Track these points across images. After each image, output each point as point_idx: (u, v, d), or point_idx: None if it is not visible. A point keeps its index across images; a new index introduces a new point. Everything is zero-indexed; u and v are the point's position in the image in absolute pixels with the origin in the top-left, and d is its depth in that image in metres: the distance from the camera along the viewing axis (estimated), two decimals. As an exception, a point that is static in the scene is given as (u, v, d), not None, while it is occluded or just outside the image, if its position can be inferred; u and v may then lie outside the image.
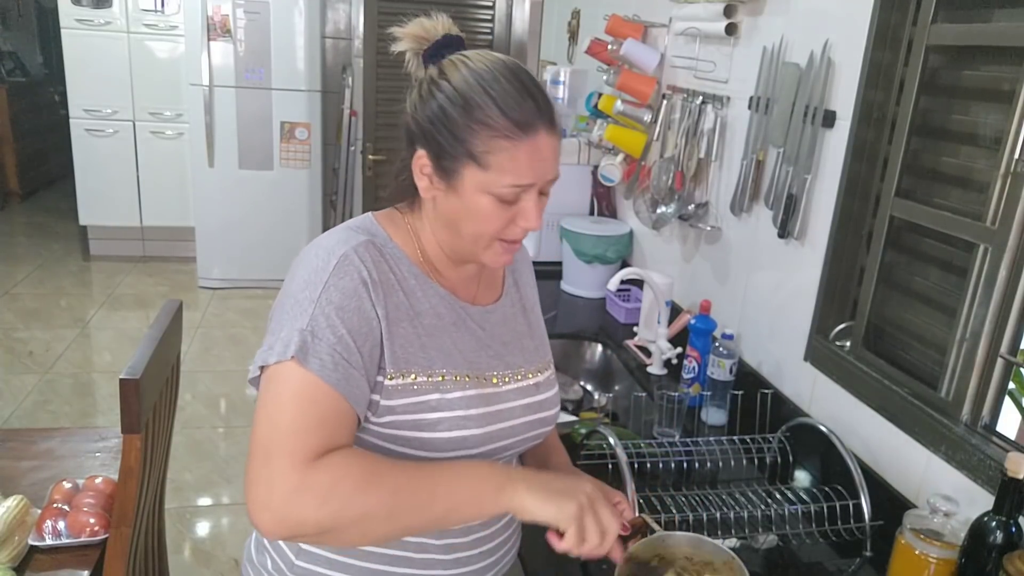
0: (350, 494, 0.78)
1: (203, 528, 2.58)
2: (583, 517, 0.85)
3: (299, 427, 0.80)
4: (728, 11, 1.78)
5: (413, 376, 0.91)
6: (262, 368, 0.85)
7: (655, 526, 1.12)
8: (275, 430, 0.80)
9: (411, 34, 0.95)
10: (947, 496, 1.07)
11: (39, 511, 1.49)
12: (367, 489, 0.79)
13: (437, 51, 0.93)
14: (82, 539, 1.45)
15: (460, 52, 0.93)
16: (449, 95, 0.87)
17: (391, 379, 0.90)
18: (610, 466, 1.36)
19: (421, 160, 0.91)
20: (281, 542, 0.99)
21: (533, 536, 1.10)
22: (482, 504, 0.84)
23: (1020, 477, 0.95)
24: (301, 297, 0.87)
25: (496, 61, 0.90)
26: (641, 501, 1.24)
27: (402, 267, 0.94)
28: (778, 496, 1.34)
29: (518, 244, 0.96)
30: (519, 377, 1.02)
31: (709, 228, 1.90)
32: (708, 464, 1.45)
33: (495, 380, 0.99)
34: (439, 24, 0.95)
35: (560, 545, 0.87)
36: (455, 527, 0.96)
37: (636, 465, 1.36)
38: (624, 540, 1.07)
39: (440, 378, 0.93)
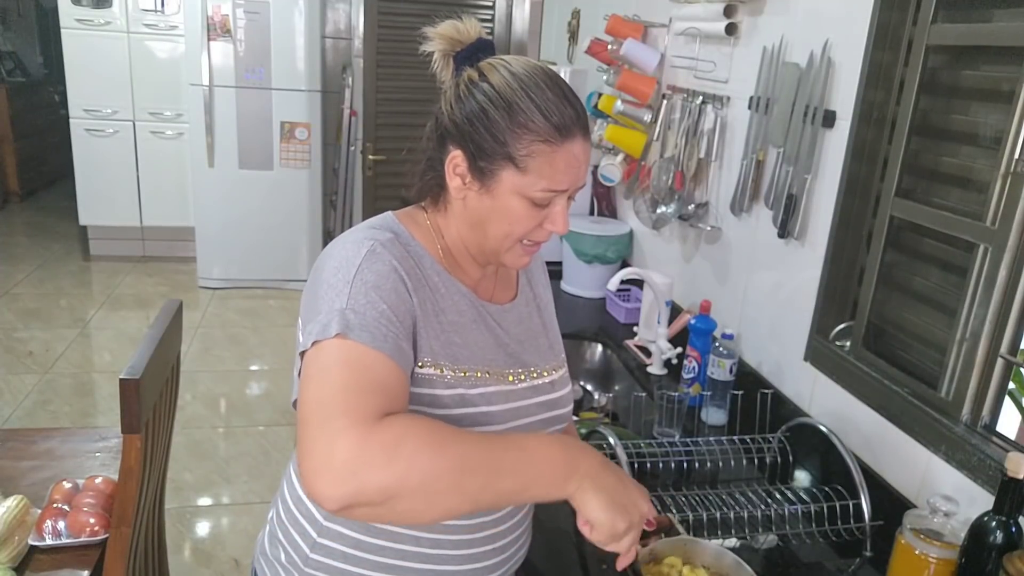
0: (417, 455, 0.73)
1: (203, 528, 2.57)
2: (628, 532, 0.86)
3: (357, 387, 0.76)
4: (728, 11, 1.78)
5: (440, 369, 0.91)
6: (302, 355, 0.82)
7: (680, 528, 1.13)
8: (330, 393, 0.76)
9: (444, 35, 0.96)
10: (947, 496, 1.07)
11: (39, 511, 1.49)
12: (435, 451, 0.74)
13: (472, 54, 0.94)
14: (82, 539, 1.45)
15: (497, 56, 0.94)
16: (491, 97, 0.88)
17: (421, 367, 0.90)
18: (610, 466, 1.36)
19: (456, 160, 0.91)
20: (296, 535, 0.99)
21: (540, 535, 1.10)
22: (549, 488, 0.81)
23: (1020, 477, 0.95)
24: (334, 281, 0.86)
25: (536, 67, 0.92)
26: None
27: (425, 264, 0.95)
28: (778, 496, 1.34)
29: (539, 247, 0.98)
30: (534, 375, 1.03)
31: (709, 228, 1.90)
32: (708, 464, 1.45)
33: (511, 378, 0.99)
34: (471, 28, 0.96)
35: (590, 536, 0.87)
36: (518, 504, 0.97)
37: (636, 465, 1.36)
38: (645, 535, 1.07)
39: (463, 373, 0.93)
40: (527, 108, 0.87)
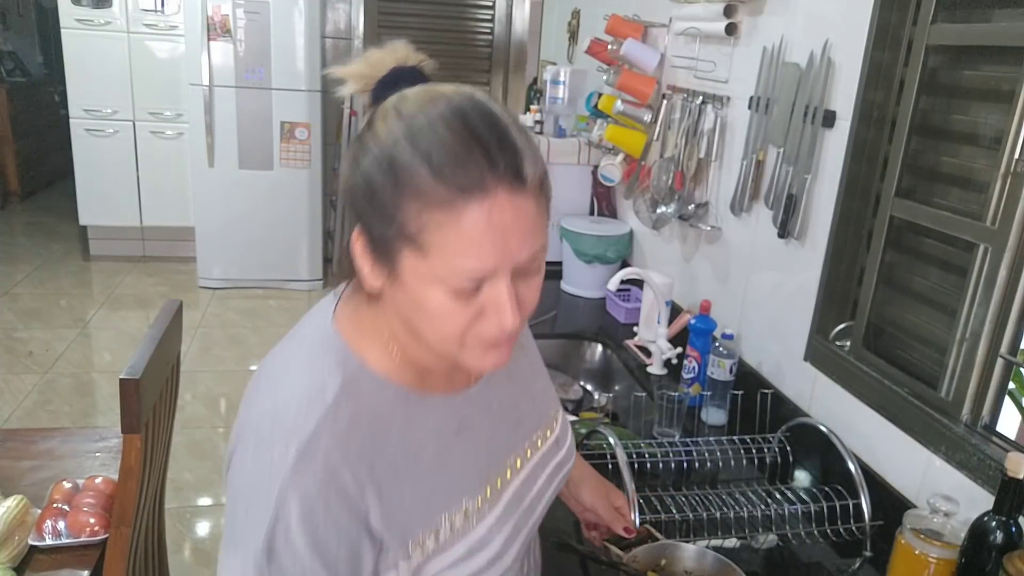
0: None
1: (203, 528, 2.57)
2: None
3: None
4: (728, 11, 1.78)
5: (433, 535, 0.76)
6: None
7: (658, 535, 1.13)
8: None
9: (354, 73, 0.76)
10: (947, 496, 1.07)
11: (39, 511, 1.49)
12: None
13: (383, 91, 0.73)
14: (82, 539, 1.45)
15: (411, 89, 0.71)
16: (375, 156, 0.67)
17: (411, 556, 0.74)
18: (610, 466, 1.36)
19: (356, 239, 0.71)
20: None
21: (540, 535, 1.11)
22: None
23: (1020, 477, 0.95)
24: (252, 501, 0.68)
25: (440, 100, 0.67)
26: (641, 501, 1.24)
27: (386, 399, 0.75)
28: (778, 496, 1.34)
29: (508, 340, 0.72)
30: (540, 443, 0.90)
31: (709, 228, 1.90)
32: (708, 464, 1.45)
33: (519, 463, 0.86)
34: (388, 55, 0.76)
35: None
36: None
37: (636, 465, 1.36)
38: (626, 547, 1.08)
39: (463, 515, 0.78)
40: (410, 164, 0.64)
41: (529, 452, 0.88)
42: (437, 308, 0.68)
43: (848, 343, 1.45)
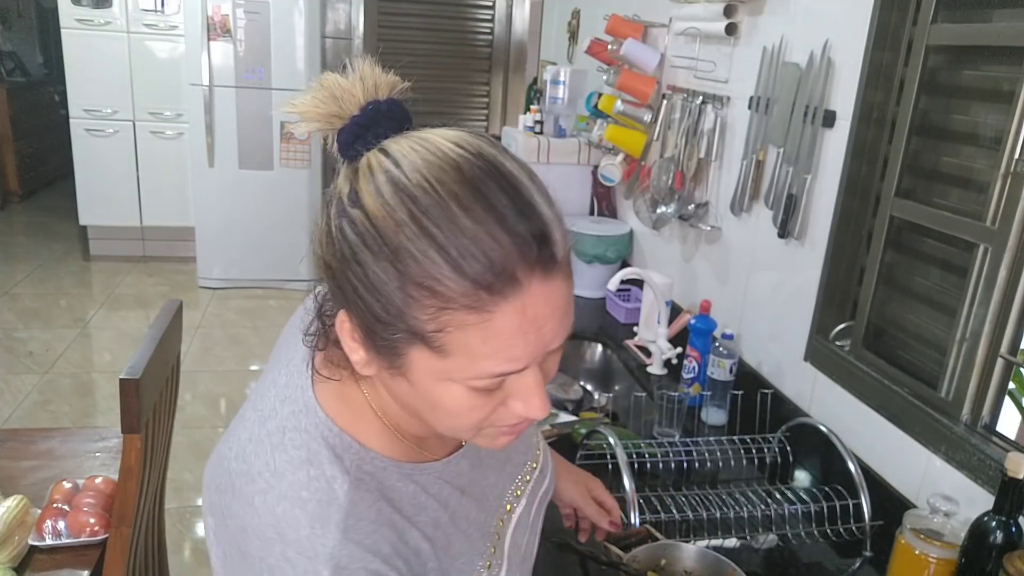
0: None
1: (203, 528, 2.57)
2: None
3: None
4: (728, 11, 1.78)
5: None
6: None
7: (658, 535, 1.13)
8: None
9: (313, 111, 0.61)
10: (947, 496, 1.07)
11: (39, 511, 1.49)
12: None
13: (356, 136, 0.60)
14: (82, 539, 1.45)
15: (394, 137, 0.59)
16: (365, 235, 0.55)
17: None
18: (610, 466, 1.36)
19: (348, 325, 0.60)
20: None
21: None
22: None
23: (1020, 477, 0.95)
24: None
25: (445, 165, 0.55)
26: (641, 501, 1.24)
27: (392, 478, 0.66)
28: (778, 496, 1.34)
29: (525, 424, 0.64)
30: (527, 477, 0.84)
31: (709, 228, 1.90)
32: (708, 464, 1.45)
33: (509, 507, 0.81)
34: (355, 85, 0.61)
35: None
36: None
37: (636, 465, 1.36)
38: (626, 547, 1.08)
39: (486, 567, 0.74)
40: (421, 256, 0.53)
41: (518, 492, 0.81)
42: (454, 405, 0.59)
43: (848, 343, 1.45)
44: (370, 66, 0.61)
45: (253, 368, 3.72)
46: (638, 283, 2.13)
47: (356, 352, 0.61)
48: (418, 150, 0.56)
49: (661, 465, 1.39)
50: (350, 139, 0.60)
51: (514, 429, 0.64)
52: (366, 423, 0.66)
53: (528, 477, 0.84)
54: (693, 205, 1.97)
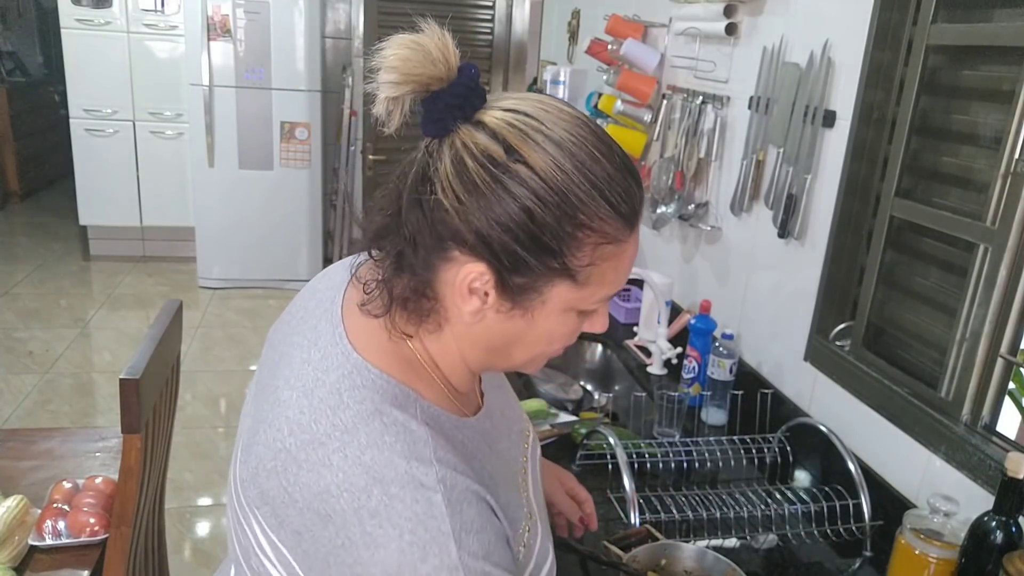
0: None
1: (203, 528, 2.57)
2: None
3: None
4: (728, 11, 1.78)
5: (520, 551, 0.74)
6: None
7: (658, 535, 1.13)
8: None
9: (416, 74, 0.62)
10: (947, 496, 1.07)
11: (39, 511, 1.49)
12: None
13: (465, 98, 0.63)
14: (82, 539, 1.45)
15: (504, 99, 0.64)
16: (537, 190, 0.60)
17: (522, 556, 0.73)
18: (610, 466, 1.36)
19: (474, 276, 0.64)
20: None
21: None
22: None
23: (1020, 477, 0.95)
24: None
25: (576, 122, 0.64)
26: (641, 501, 1.24)
27: (447, 427, 0.69)
28: (778, 496, 1.34)
29: None
30: (526, 443, 0.88)
31: (709, 228, 1.90)
32: (708, 464, 1.45)
33: (524, 468, 0.84)
34: (448, 47, 0.63)
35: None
36: None
37: (636, 465, 1.36)
38: (626, 547, 1.08)
39: (525, 530, 0.76)
40: (591, 200, 0.62)
41: (524, 457, 0.86)
42: (564, 331, 0.68)
43: (848, 343, 1.45)
44: (442, 30, 0.63)
45: (253, 368, 3.72)
46: (638, 283, 2.13)
47: (472, 302, 0.65)
48: (547, 110, 0.64)
49: (661, 465, 1.39)
50: (459, 101, 0.63)
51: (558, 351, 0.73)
52: (418, 376, 0.69)
53: (526, 444, 0.88)
54: (693, 205, 1.97)
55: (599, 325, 0.72)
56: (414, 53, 0.61)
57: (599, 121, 2.38)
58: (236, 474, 0.70)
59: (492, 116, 0.63)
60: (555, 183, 0.61)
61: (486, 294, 0.65)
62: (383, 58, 0.62)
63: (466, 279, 0.64)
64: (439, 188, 0.62)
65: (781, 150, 1.60)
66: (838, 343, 1.47)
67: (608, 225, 0.63)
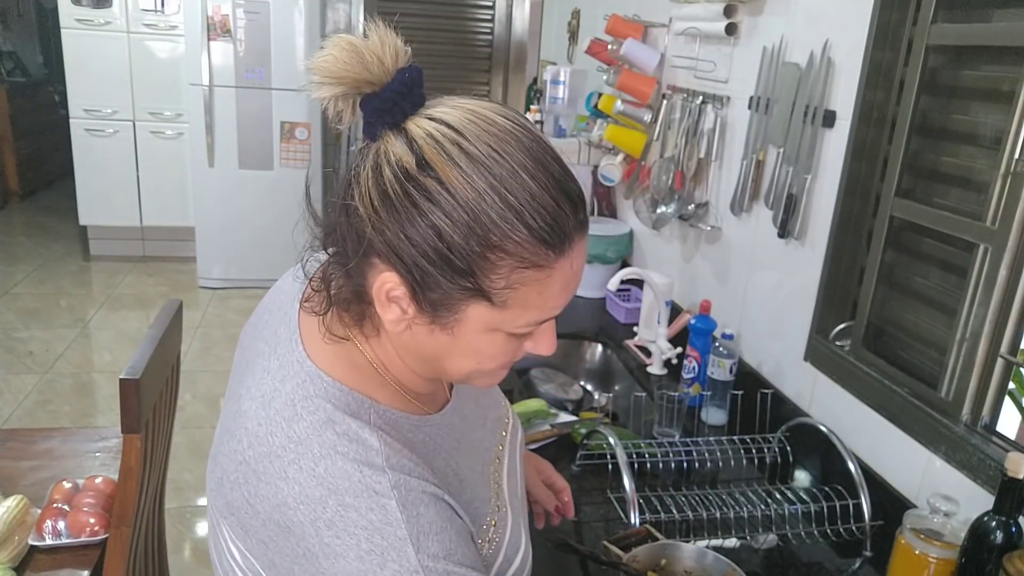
0: None
1: (203, 528, 2.57)
2: None
3: None
4: (728, 11, 1.78)
5: (485, 547, 0.75)
6: None
7: (658, 535, 1.13)
8: None
9: (344, 76, 0.60)
10: (947, 496, 1.07)
11: (39, 511, 1.49)
12: None
13: (394, 102, 0.61)
14: (82, 539, 1.45)
15: (435, 105, 0.63)
16: (447, 209, 0.58)
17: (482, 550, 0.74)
18: (610, 466, 1.36)
19: (390, 286, 0.63)
20: None
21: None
22: None
23: (1020, 477, 0.95)
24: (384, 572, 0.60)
25: (504, 136, 0.60)
26: (641, 501, 1.24)
27: (404, 428, 0.70)
28: (778, 496, 1.34)
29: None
30: (504, 431, 0.88)
31: (709, 228, 1.90)
32: (708, 464, 1.45)
33: (499, 459, 0.84)
34: (387, 52, 0.61)
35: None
36: None
37: (636, 465, 1.36)
38: (626, 547, 1.08)
39: (492, 525, 0.76)
40: (503, 223, 0.58)
41: (500, 446, 0.86)
42: (491, 351, 0.66)
43: (848, 343, 1.45)
44: (389, 31, 0.62)
45: (253, 368, 3.72)
46: (638, 283, 2.13)
47: (392, 311, 0.64)
48: (475, 121, 0.60)
49: (661, 465, 1.39)
50: (387, 106, 0.61)
51: (508, 366, 0.71)
52: (371, 380, 0.69)
53: (504, 432, 0.88)
54: (693, 205, 1.97)
55: (544, 348, 0.69)
56: (347, 55, 0.60)
57: (599, 121, 2.38)
58: (207, 485, 0.71)
59: (416, 125, 0.61)
60: (465, 201, 0.58)
61: (404, 307, 0.64)
62: (316, 58, 0.61)
63: (383, 287, 0.63)
64: (357, 195, 0.62)
65: (781, 150, 1.60)
66: (838, 343, 1.47)
67: (525, 249, 0.59)
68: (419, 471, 0.66)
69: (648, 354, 1.91)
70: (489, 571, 0.75)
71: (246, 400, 0.69)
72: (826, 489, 1.29)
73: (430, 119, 0.61)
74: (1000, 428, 1.17)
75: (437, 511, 0.64)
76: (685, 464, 1.43)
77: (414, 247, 0.60)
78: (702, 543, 1.17)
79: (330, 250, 0.69)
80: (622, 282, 1.79)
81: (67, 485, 1.55)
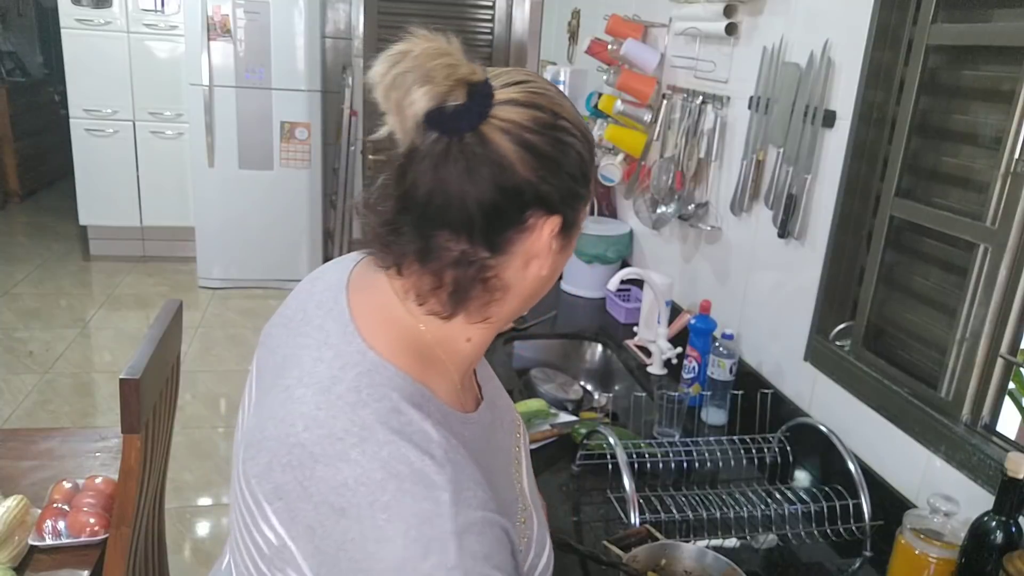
0: None
1: (203, 528, 2.57)
2: None
3: None
4: (728, 11, 1.78)
5: (522, 545, 0.77)
6: None
7: (658, 535, 1.13)
8: None
9: (461, 77, 0.66)
10: (947, 496, 1.07)
11: (39, 511, 1.49)
12: None
13: (482, 100, 0.67)
14: (82, 539, 1.45)
15: (508, 75, 0.71)
16: (576, 132, 0.71)
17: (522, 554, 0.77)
18: (610, 466, 1.36)
19: (550, 228, 0.70)
20: None
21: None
22: None
23: (1020, 477, 0.95)
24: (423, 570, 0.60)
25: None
26: (641, 501, 1.24)
27: (455, 425, 0.72)
28: (778, 496, 1.34)
29: None
30: (518, 433, 0.91)
31: (709, 228, 1.90)
32: (708, 464, 1.45)
33: (518, 460, 0.86)
34: (462, 66, 0.67)
35: None
36: None
37: (636, 465, 1.36)
38: (626, 547, 1.08)
39: (523, 523, 0.79)
40: (589, 131, 0.75)
41: (517, 447, 0.88)
42: (567, 256, 0.77)
43: (848, 343, 1.45)
44: (457, 45, 0.68)
45: (253, 368, 3.72)
46: (638, 283, 2.13)
47: (544, 257, 0.72)
48: (518, 74, 0.71)
49: (661, 465, 1.39)
50: (486, 88, 0.67)
51: None
52: (433, 370, 0.72)
53: (518, 433, 0.90)
54: (693, 205, 1.97)
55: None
56: (451, 62, 0.66)
57: (599, 121, 2.38)
58: (243, 473, 0.69)
59: (502, 93, 0.68)
60: (580, 125, 0.72)
61: (555, 239, 0.72)
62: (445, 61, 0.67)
63: (544, 232, 0.70)
64: (519, 165, 0.67)
65: (781, 150, 1.60)
66: (838, 343, 1.47)
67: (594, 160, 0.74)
68: (472, 470, 0.67)
69: (648, 354, 1.91)
70: (521, 569, 0.75)
71: (298, 388, 0.68)
72: (826, 489, 1.30)
73: (504, 85, 0.69)
74: (1000, 428, 1.17)
75: (484, 512, 0.65)
76: (685, 464, 1.43)
77: (571, 178, 0.70)
78: (702, 543, 1.17)
79: (445, 242, 0.70)
80: (622, 282, 1.79)
81: (67, 485, 1.55)
